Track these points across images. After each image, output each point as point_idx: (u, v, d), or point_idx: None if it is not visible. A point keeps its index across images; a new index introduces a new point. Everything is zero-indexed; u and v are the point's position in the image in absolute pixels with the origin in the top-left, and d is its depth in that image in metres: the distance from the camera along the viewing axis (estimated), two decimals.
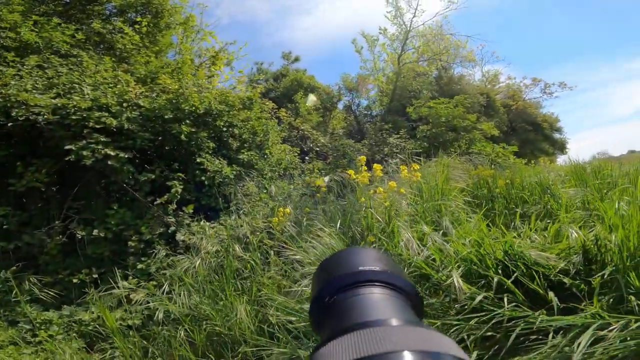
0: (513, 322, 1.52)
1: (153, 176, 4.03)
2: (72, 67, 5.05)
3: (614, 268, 1.54)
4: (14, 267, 3.25)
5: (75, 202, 4.05)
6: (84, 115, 3.96)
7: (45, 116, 3.80)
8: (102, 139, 3.88)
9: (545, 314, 1.48)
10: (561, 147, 22.05)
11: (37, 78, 4.40)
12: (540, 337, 1.47)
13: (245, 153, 5.31)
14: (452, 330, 1.52)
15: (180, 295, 2.40)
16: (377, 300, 0.29)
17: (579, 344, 1.29)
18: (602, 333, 1.34)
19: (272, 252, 2.70)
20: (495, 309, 1.54)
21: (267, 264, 2.60)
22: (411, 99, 15.35)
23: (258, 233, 2.92)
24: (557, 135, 21.94)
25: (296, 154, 6.89)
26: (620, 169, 3.98)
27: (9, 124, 3.81)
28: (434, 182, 3.01)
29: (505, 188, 3.88)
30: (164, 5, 7.83)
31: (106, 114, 4.12)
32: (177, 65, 6.71)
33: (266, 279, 2.39)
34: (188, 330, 2.08)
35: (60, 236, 3.59)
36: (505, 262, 1.71)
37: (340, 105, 16.41)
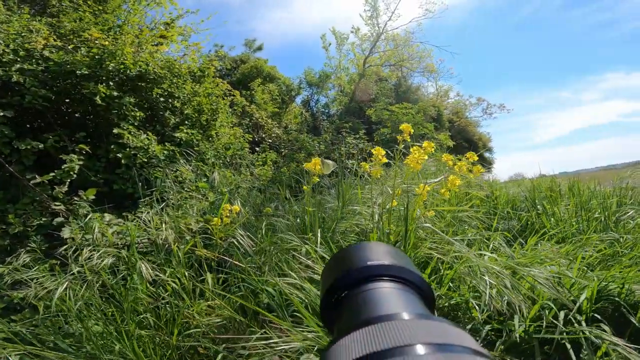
0: None
1: (41, 145, 2.86)
2: None
3: None
4: None
5: None
6: None
7: None
8: None
9: None
10: (489, 165, 24.00)
11: None
12: None
13: (185, 131, 4.28)
14: None
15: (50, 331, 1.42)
16: (388, 294, 0.28)
17: None
18: None
19: (211, 269, 1.83)
20: None
21: (199, 284, 1.72)
22: (370, 102, 15.22)
23: (189, 238, 2.01)
24: (487, 155, 23.88)
25: (248, 141, 5.97)
26: (594, 188, 3.83)
27: None
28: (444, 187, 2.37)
29: (480, 202, 3.50)
30: None
31: None
32: (117, 23, 5.39)
33: (197, 309, 1.52)
34: None
35: None
36: (606, 305, 1.11)
37: (298, 100, 15.71)
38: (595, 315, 1.13)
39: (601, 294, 1.18)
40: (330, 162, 2.33)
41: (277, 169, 6.07)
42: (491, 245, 1.79)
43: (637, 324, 1.13)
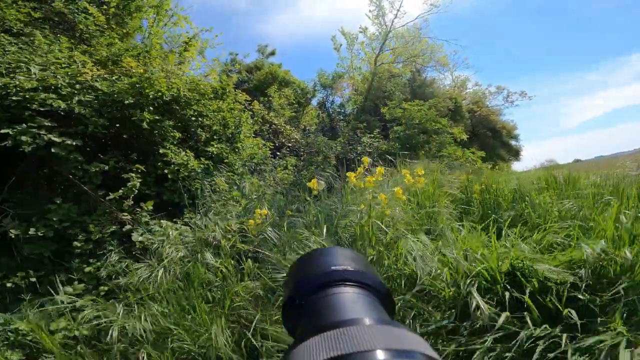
0: (532, 341, 1.37)
1: (106, 167, 3.54)
2: (22, 46, 4.48)
3: (629, 282, 1.45)
4: None
5: (11, 193, 3.47)
6: (27, 96, 3.41)
7: None
8: (45, 123, 3.34)
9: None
10: (516, 153, 23.49)
11: None
12: (559, 355, 1.32)
13: (215, 145, 4.91)
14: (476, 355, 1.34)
15: (138, 309, 2.04)
16: (349, 299, 0.29)
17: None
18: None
19: (247, 259, 2.40)
20: (510, 327, 1.38)
21: (240, 271, 2.29)
22: (384, 99, 15.49)
23: (230, 236, 2.59)
24: (513, 142, 23.37)
25: (269, 149, 6.55)
26: (590, 178, 4.09)
27: None
28: (428, 189, 2.85)
29: (481, 193, 3.85)
30: None
31: (53, 96, 3.57)
32: (145, 49, 6.10)
33: (241, 288, 2.09)
34: (150, 348, 1.74)
35: None
36: (518, 276, 1.57)
37: (314, 102, 16.22)
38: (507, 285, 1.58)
39: (514, 268, 1.62)
40: (322, 182, 2.87)
41: (297, 172, 6.61)
42: (455, 234, 2.23)
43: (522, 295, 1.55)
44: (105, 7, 6.51)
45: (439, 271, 1.74)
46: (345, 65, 18.21)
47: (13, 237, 2.90)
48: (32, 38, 4.79)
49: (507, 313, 1.42)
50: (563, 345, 1.30)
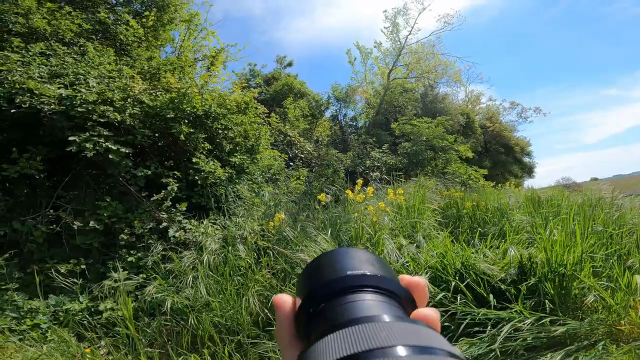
0: (463, 315, 1.98)
1: (149, 172, 4.24)
2: (75, 56, 5.13)
3: (537, 279, 2.03)
4: (6, 255, 3.29)
5: (65, 191, 4.12)
6: (89, 108, 4.12)
7: (51, 106, 3.93)
8: (104, 133, 4.06)
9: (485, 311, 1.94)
10: (529, 170, 23.52)
11: (42, 66, 4.48)
12: (482, 328, 1.92)
13: (238, 156, 5.59)
14: None
15: (180, 288, 2.69)
16: (367, 303, 0.28)
17: (502, 331, 1.75)
18: (520, 325, 1.80)
19: (265, 254, 3.03)
20: (450, 305, 1.98)
21: (259, 263, 2.92)
22: (396, 114, 16.04)
23: (254, 235, 3.24)
24: (526, 159, 23.40)
25: (284, 160, 7.21)
26: (570, 199, 4.58)
27: (12, 110, 3.91)
28: (412, 202, 3.47)
29: (472, 209, 4.40)
30: (169, 0, 7.89)
31: (111, 109, 4.29)
32: (180, 64, 6.85)
33: (260, 276, 2.72)
34: (194, 319, 2.36)
35: (54, 225, 3.64)
36: (462, 271, 2.16)
37: (327, 114, 16.89)
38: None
39: (463, 265, 2.22)
40: (329, 195, 3.50)
41: (309, 183, 7.24)
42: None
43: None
44: (144, 19, 7.18)
45: (408, 264, 2.34)
46: (359, 79, 18.88)
47: (75, 227, 3.56)
48: (82, 48, 5.44)
49: (448, 294, 2.02)
50: (477, 319, 1.91)
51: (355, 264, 0.32)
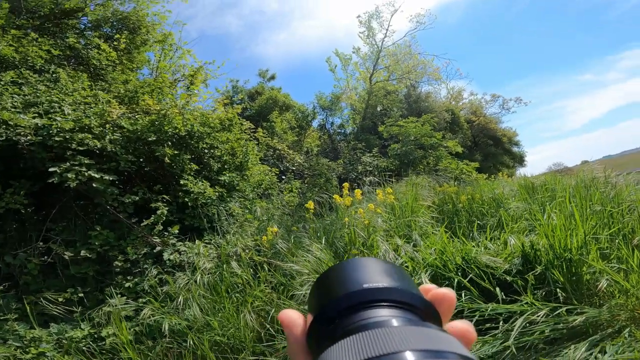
0: (471, 312, 1.89)
1: (137, 198, 4.12)
2: (48, 84, 4.99)
3: (544, 267, 1.94)
4: (1, 287, 3.26)
5: (54, 223, 4.02)
6: (67, 136, 4.00)
7: (28, 137, 3.81)
8: (85, 161, 3.94)
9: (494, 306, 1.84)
10: (520, 159, 23.85)
11: (14, 95, 4.33)
12: (494, 324, 1.83)
13: (227, 174, 5.49)
14: None
15: (179, 309, 2.57)
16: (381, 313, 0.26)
17: (515, 326, 1.65)
18: (533, 317, 1.71)
19: (262, 268, 2.92)
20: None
21: (257, 279, 2.81)
22: (382, 116, 16.15)
23: (248, 251, 3.12)
24: (515, 149, 23.76)
25: (275, 174, 7.13)
26: (563, 182, 4.56)
27: None
28: (404, 201, 3.40)
29: (467, 203, 4.35)
30: (141, 22, 7.75)
31: (89, 136, 4.17)
32: (157, 85, 6.75)
33: (259, 292, 2.61)
34: (193, 340, 2.25)
35: (45, 257, 3.58)
36: (463, 266, 2.07)
37: (314, 124, 16.91)
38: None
39: (464, 260, 2.14)
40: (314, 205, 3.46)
41: (302, 194, 7.14)
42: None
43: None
44: (115, 43, 7.03)
45: (407, 264, 2.25)
46: (342, 86, 19.04)
47: (66, 258, 3.44)
48: (55, 75, 5.27)
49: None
50: (486, 314, 1.82)
51: (370, 276, 0.30)
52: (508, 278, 1.99)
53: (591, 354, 1.49)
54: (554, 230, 2.11)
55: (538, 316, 1.72)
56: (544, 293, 1.92)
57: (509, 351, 1.69)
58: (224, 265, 2.86)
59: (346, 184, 3.29)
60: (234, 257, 3.07)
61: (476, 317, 1.88)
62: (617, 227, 2.18)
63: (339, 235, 2.95)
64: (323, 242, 2.89)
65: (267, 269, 2.83)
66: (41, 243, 3.71)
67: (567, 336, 1.70)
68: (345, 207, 3.11)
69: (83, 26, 7.56)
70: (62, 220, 4.10)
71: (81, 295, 3.39)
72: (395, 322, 0.24)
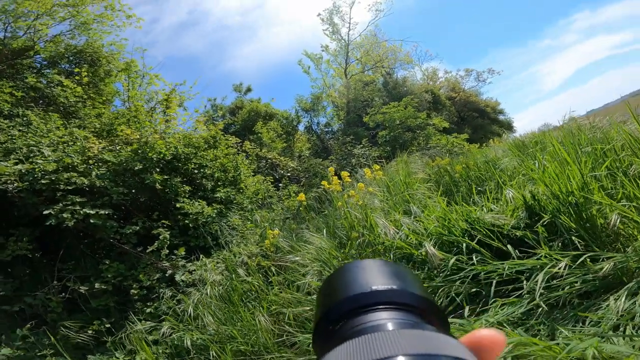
0: (487, 275, 1.85)
1: (137, 228, 4.10)
2: (20, 128, 4.92)
3: (551, 215, 1.92)
4: (28, 325, 3.31)
5: (64, 263, 4.05)
6: (53, 178, 3.97)
7: (15, 184, 3.78)
8: (77, 200, 3.91)
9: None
10: (508, 126, 24.09)
11: None
12: (515, 285, 1.79)
13: (222, 191, 5.45)
14: (440, 291, 1.83)
15: (197, 325, 2.56)
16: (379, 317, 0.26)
17: (537, 282, 1.62)
18: (555, 271, 1.65)
19: (272, 272, 2.92)
20: (467, 267, 1.86)
21: (269, 283, 2.79)
22: (365, 107, 16.22)
23: (254, 257, 3.11)
24: (502, 117, 24.07)
25: (270, 182, 7.10)
26: (551, 134, 4.60)
27: None
28: (397, 178, 3.40)
29: (464, 171, 4.36)
30: (98, 54, 7.61)
31: (75, 174, 4.14)
32: (132, 114, 6.65)
33: (273, 295, 2.59)
34: (216, 352, 2.23)
35: (63, 294, 3.67)
36: (469, 229, 2.06)
37: (300, 127, 16.90)
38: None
39: (468, 222, 2.13)
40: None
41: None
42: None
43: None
44: (77, 77, 6.83)
45: (410, 237, 2.24)
46: (319, 85, 19.10)
47: (83, 292, 3.55)
48: (25, 119, 5.17)
49: (461, 256, 1.92)
50: (505, 274, 1.78)
51: (372, 278, 0.30)
52: (518, 233, 1.95)
53: (634, 302, 1.39)
54: (550, 176, 2.11)
55: (560, 269, 1.64)
56: (559, 244, 1.87)
57: (540, 310, 1.61)
58: (233, 275, 2.85)
59: (331, 168, 3.29)
60: (242, 266, 3.05)
61: (495, 279, 1.81)
62: (611, 160, 2.14)
63: (340, 224, 2.94)
64: (324, 233, 2.89)
65: (274, 271, 2.81)
66: (56, 282, 3.78)
67: (601, 287, 1.61)
68: (337, 193, 3.11)
69: (39, 65, 7.39)
70: (70, 259, 4.14)
71: (108, 325, 3.44)
72: (390, 326, 0.24)
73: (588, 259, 1.69)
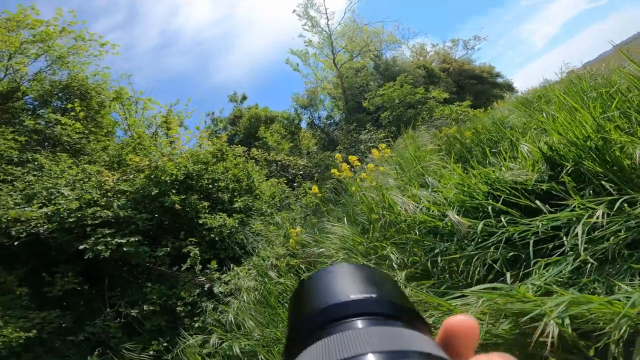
0: (520, 236, 1.76)
1: (168, 249, 4.30)
2: (35, 173, 5.10)
3: (574, 163, 1.88)
4: (96, 352, 3.56)
5: (111, 292, 4.30)
6: (79, 215, 4.16)
7: (45, 226, 3.96)
8: (107, 232, 4.10)
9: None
10: (509, 88, 23.58)
11: (12, 193, 4.43)
12: (556, 243, 1.69)
13: (239, 200, 5.56)
14: (475, 260, 1.81)
15: (243, 332, 2.66)
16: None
17: (577, 235, 1.51)
18: (593, 221, 1.53)
19: (301, 270, 3.00)
20: (498, 230, 1.83)
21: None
22: (362, 93, 16.12)
23: (282, 258, 3.22)
24: (500, 80, 23.63)
25: (284, 183, 7.19)
26: (553, 87, 4.51)
27: (15, 243, 3.88)
28: (407, 153, 3.41)
29: (474, 136, 4.32)
30: (85, 86, 7.61)
31: (98, 208, 4.32)
32: (136, 142, 6.73)
33: None
34: (264, 357, 2.31)
35: (118, 319, 3.91)
36: (491, 191, 2.05)
37: (303, 124, 16.93)
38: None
39: (487, 184, 2.12)
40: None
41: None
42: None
43: None
44: (73, 113, 6.89)
45: (431, 209, 2.26)
46: (312, 80, 19.01)
47: (135, 315, 3.82)
48: (36, 163, 5.36)
49: (489, 220, 1.89)
50: (540, 232, 1.69)
51: (340, 289, 0.27)
52: (543, 186, 1.90)
53: None
54: (563, 124, 2.08)
55: (598, 218, 1.51)
56: (590, 192, 1.77)
57: (589, 266, 1.47)
58: (265, 279, 2.95)
59: (338, 155, 3.34)
60: (271, 268, 3.16)
61: (531, 238, 1.70)
62: (619, 101, 2.07)
63: (359, 209, 2.98)
64: (345, 221, 2.96)
65: (304, 268, 2.90)
66: (109, 309, 4.03)
67: None
68: (350, 179, 3.16)
69: (31, 105, 7.46)
70: (116, 287, 4.40)
71: (165, 344, 3.62)
72: (360, 324, 0.23)
73: (625, 204, 1.56)
